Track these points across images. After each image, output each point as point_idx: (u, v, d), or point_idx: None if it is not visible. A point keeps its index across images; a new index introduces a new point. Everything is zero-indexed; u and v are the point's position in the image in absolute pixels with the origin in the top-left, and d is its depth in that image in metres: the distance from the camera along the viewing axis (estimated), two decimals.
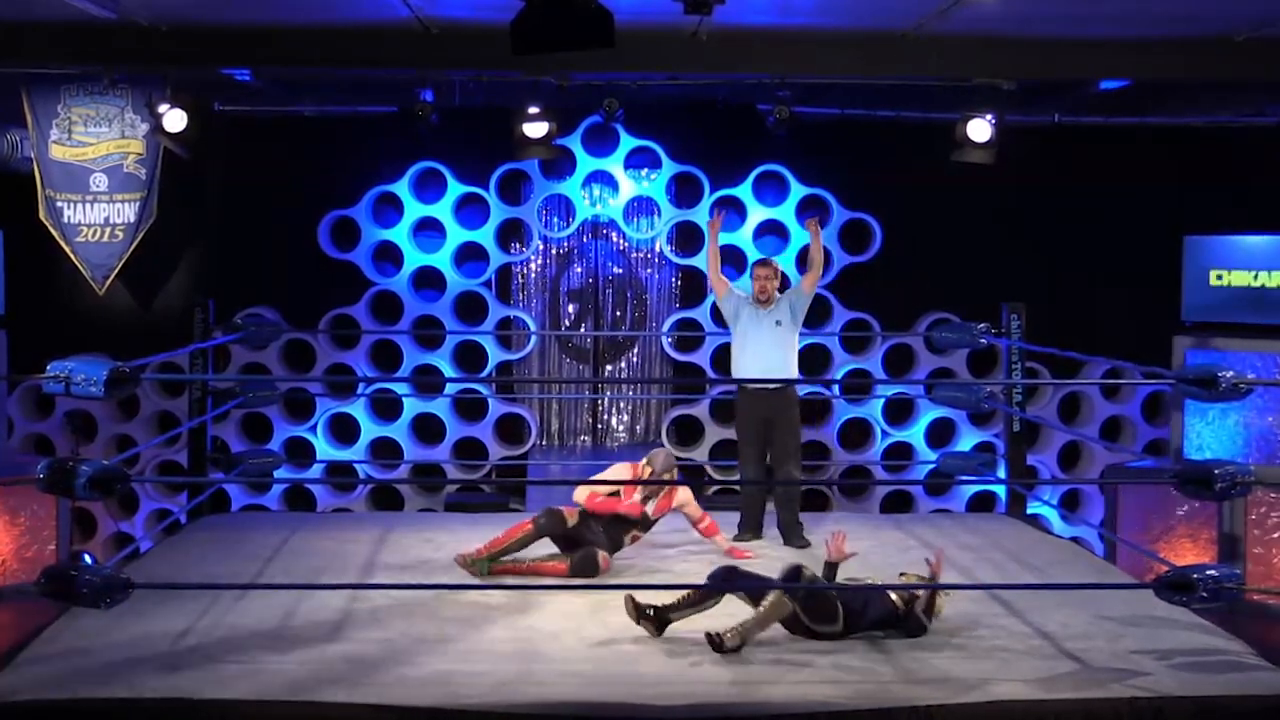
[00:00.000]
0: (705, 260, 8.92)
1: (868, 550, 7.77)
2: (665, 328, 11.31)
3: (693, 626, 6.43)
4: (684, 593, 6.53)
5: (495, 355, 11.13)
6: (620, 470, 8.01)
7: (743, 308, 8.66)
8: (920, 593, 6.58)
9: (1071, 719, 5.56)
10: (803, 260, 11.12)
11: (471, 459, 11.03)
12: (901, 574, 6.86)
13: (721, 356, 11.16)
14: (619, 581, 7.35)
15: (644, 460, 7.92)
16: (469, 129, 10.58)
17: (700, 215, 11.10)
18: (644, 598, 6.53)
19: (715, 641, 6.20)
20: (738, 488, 10.00)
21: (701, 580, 6.64)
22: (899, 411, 11.25)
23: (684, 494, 7.97)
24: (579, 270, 11.59)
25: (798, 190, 11.11)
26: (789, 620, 6.36)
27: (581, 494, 7.73)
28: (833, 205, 11.11)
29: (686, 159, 11.12)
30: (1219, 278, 10.22)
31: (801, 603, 6.32)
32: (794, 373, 8.64)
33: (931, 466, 10.54)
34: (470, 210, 11.19)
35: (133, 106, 9.51)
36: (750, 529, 8.70)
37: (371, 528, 9.09)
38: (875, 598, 6.49)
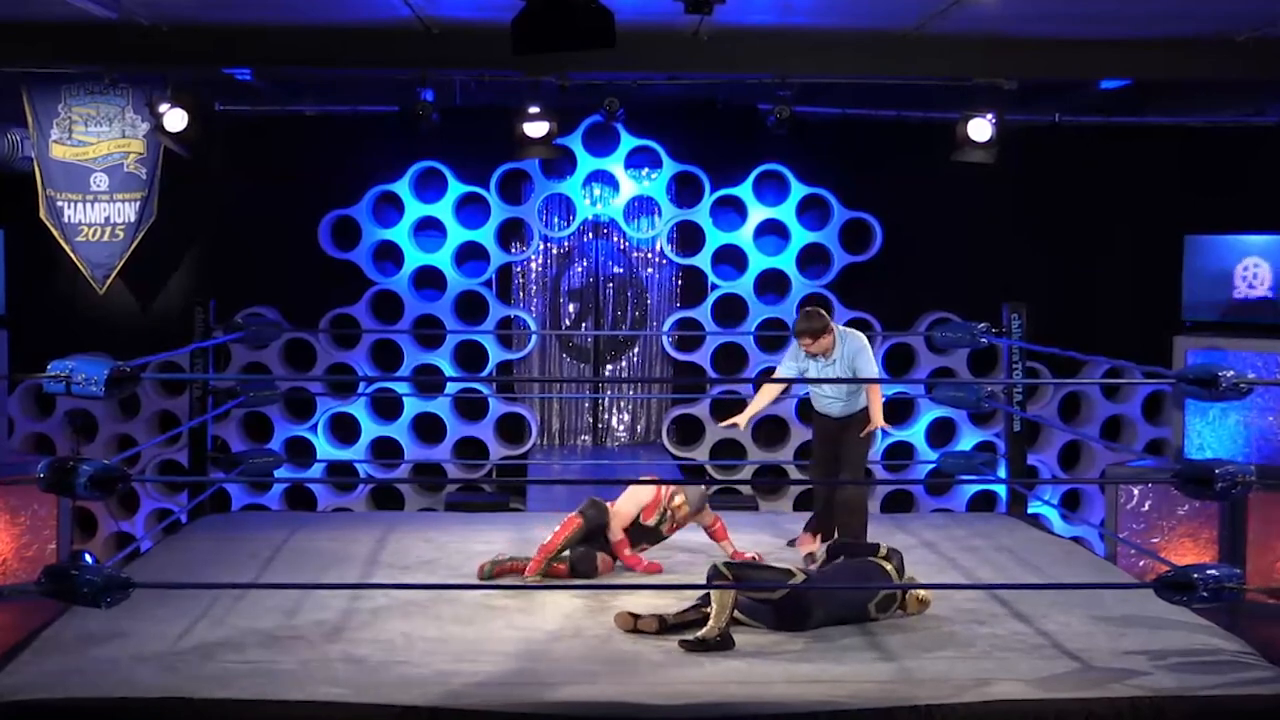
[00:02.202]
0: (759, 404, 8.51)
1: None
2: (666, 327, 11.31)
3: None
4: (679, 610, 6.57)
5: (496, 355, 11.13)
6: (641, 491, 7.85)
7: (799, 358, 8.23)
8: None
9: (1071, 719, 5.56)
10: (804, 262, 11.14)
11: (472, 458, 11.03)
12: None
13: (722, 356, 11.20)
14: (621, 582, 7.37)
15: (677, 493, 7.80)
16: (469, 128, 10.58)
17: (701, 215, 11.11)
18: (637, 610, 6.59)
19: (695, 643, 6.27)
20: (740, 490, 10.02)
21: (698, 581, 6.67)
22: (899, 411, 11.24)
23: (701, 509, 7.96)
24: (579, 270, 11.59)
25: (798, 190, 11.11)
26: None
27: (615, 532, 7.66)
28: (833, 205, 11.11)
29: (687, 158, 11.11)
30: (1251, 279, 10.20)
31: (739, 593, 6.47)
32: (861, 403, 8.25)
33: (932, 466, 10.54)
34: (471, 210, 11.18)
35: (133, 106, 9.52)
36: (817, 531, 8.50)
37: (372, 527, 9.10)
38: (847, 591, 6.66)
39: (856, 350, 8.14)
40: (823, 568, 7.07)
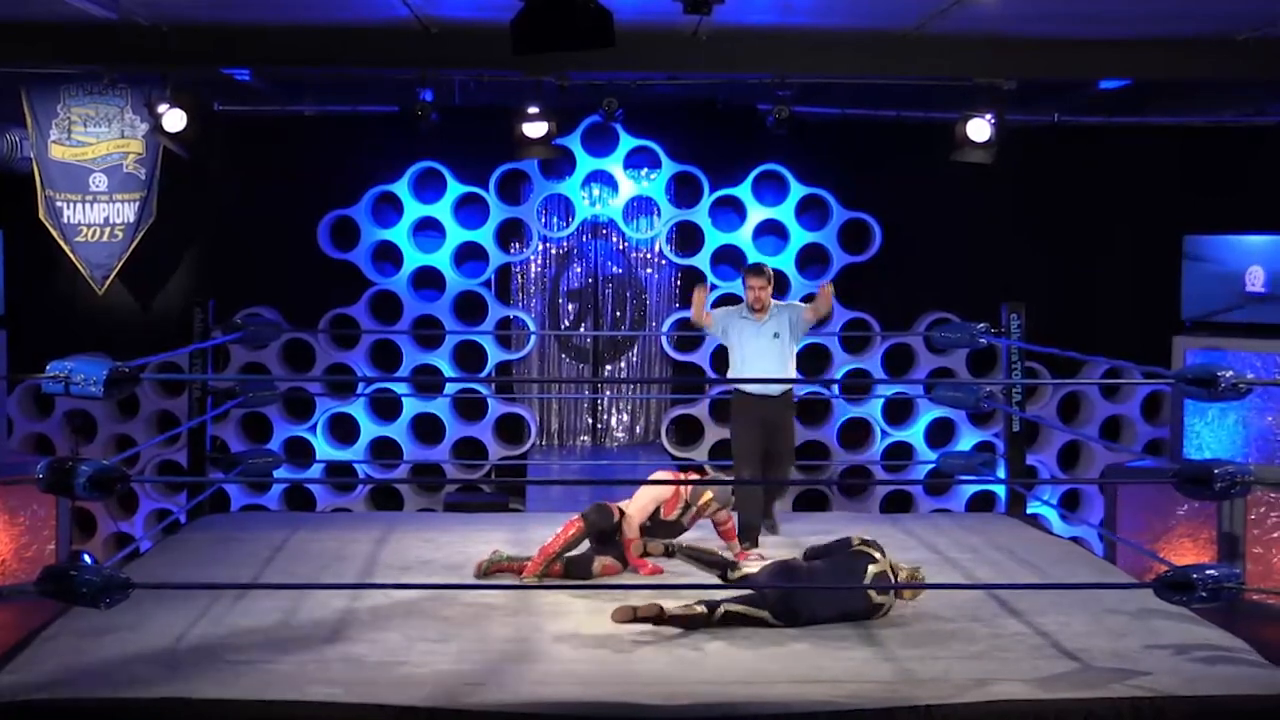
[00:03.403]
0: (692, 311, 8.61)
1: None
2: (665, 327, 11.31)
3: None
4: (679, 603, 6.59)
5: (495, 355, 11.13)
6: (659, 486, 7.80)
7: (732, 321, 8.42)
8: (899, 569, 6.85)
9: (1071, 719, 5.56)
10: (803, 263, 11.15)
11: (471, 459, 11.03)
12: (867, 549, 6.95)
13: (721, 356, 11.18)
14: (619, 583, 7.37)
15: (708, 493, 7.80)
16: (469, 129, 10.58)
17: (700, 215, 11.12)
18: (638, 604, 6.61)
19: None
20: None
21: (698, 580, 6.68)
22: (899, 411, 11.25)
23: (725, 504, 7.99)
24: (578, 270, 11.59)
25: (797, 190, 11.11)
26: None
27: (630, 530, 7.60)
28: (833, 205, 11.11)
29: (686, 159, 11.11)
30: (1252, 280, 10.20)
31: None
32: (793, 376, 8.53)
33: (931, 466, 10.54)
34: (470, 210, 11.18)
35: (132, 106, 9.51)
36: (749, 540, 8.42)
37: (371, 528, 9.09)
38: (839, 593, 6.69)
39: (799, 315, 8.42)
40: (810, 564, 7.04)
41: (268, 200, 10.96)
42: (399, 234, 11.09)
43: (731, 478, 8.51)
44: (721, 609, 6.52)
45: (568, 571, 7.49)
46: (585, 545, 7.66)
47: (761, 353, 8.35)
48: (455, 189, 11.07)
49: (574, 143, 10.98)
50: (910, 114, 10.59)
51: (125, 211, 9.61)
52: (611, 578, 7.50)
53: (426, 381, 10.72)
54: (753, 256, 11.13)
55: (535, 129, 9.54)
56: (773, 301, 8.43)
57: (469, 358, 11.15)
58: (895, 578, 6.81)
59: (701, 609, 6.49)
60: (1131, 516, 9.94)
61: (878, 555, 6.80)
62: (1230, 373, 6.05)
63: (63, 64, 9.05)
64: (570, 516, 7.73)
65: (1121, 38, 8.56)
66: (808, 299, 8.63)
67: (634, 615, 6.47)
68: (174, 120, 9.19)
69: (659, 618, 6.46)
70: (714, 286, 11.22)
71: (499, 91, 9.79)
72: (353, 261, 11.05)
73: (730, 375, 8.58)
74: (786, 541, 8.55)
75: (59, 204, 9.57)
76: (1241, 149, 10.89)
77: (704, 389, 11.23)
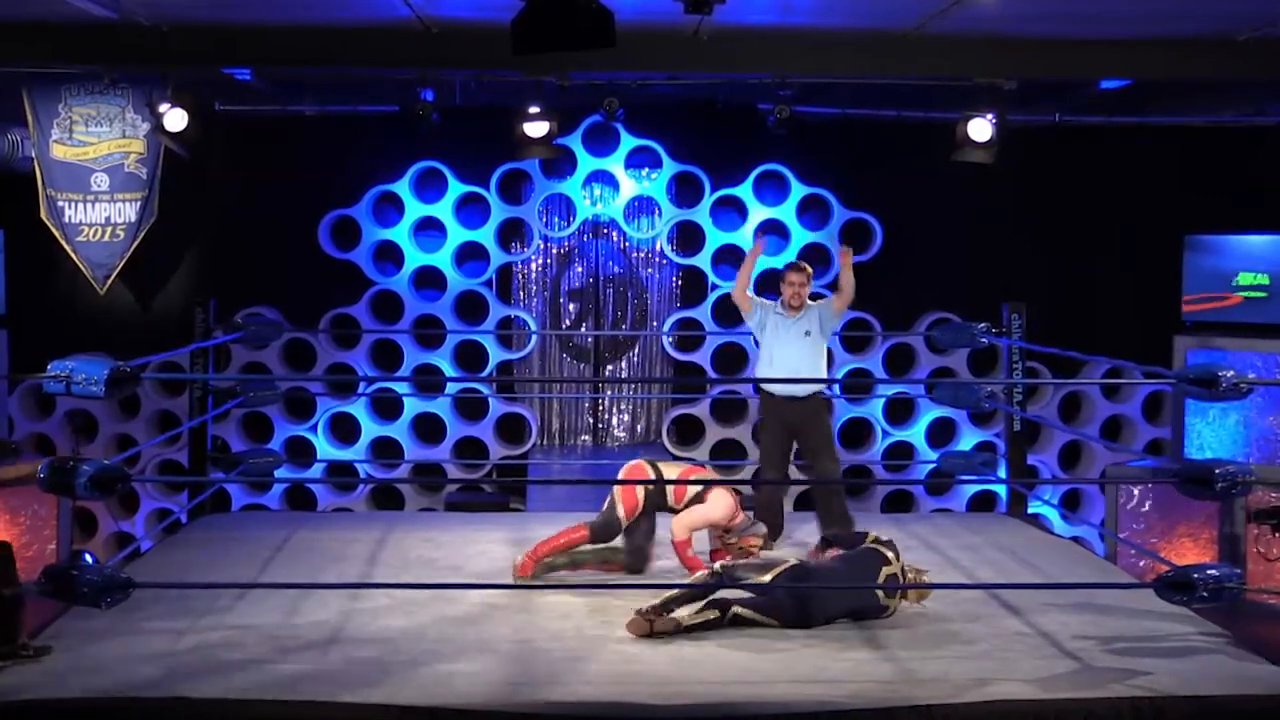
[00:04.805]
0: (737, 277, 8.61)
1: None
2: (666, 327, 11.31)
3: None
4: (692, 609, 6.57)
5: (496, 355, 11.13)
6: (729, 499, 7.74)
7: (769, 317, 8.45)
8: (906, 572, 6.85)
9: (1071, 719, 5.56)
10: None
11: (472, 458, 11.03)
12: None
13: (722, 356, 11.19)
14: (620, 582, 7.38)
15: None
16: (470, 128, 10.58)
17: (701, 215, 11.12)
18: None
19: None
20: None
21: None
22: (900, 411, 11.25)
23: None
24: (579, 270, 11.59)
25: (798, 190, 11.11)
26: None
27: (684, 533, 7.54)
28: (833, 205, 11.11)
29: (687, 158, 11.11)
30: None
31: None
32: (821, 374, 8.50)
33: (932, 466, 10.54)
34: (471, 210, 11.19)
35: (133, 106, 9.52)
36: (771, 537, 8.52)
37: (372, 527, 9.10)
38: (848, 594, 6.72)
39: (828, 309, 8.53)
40: (820, 559, 7.08)
41: (268, 200, 10.96)
42: (400, 234, 11.09)
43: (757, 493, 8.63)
44: (732, 611, 6.52)
45: (628, 554, 7.54)
46: (645, 526, 7.65)
47: (792, 352, 8.39)
48: (456, 189, 11.07)
49: (575, 142, 10.98)
50: (911, 114, 10.59)
51: (126, 211, 9.61)
52: (616, 577, 7.52)
53: (427, 381, 10.72)
54: None
55: (536, 129, 9.54)
56: (808, 303, 8.52)
57: (470, 357, 11.15)
58: (904, 580, 6.82)
59: (715, 614, 6.49)
60: (1132, 516, 9.94)
61: (891, 557, 6.81)
62: (1231, 373, 6.06)
63: (63, 64, 9.05)
64: (573, 515, 7.74)
65: (1121, 38, 8.56)
66: (832, 285, 8.69)
67: (650, 629, 6.43)
68: (175, 120, 9.19)
69: (676, 630, 6.44)
70: (714, 286, 11.18)
71: (500, 91, 9.80)
72: (354, 261, 11.05)
73: (758, 374, 8.61)
74: (787, 541, 8.56)
75: (60, 203, 9.57)
76: (1241, 149, 10.89)
77: (705, 389, 11.23)
